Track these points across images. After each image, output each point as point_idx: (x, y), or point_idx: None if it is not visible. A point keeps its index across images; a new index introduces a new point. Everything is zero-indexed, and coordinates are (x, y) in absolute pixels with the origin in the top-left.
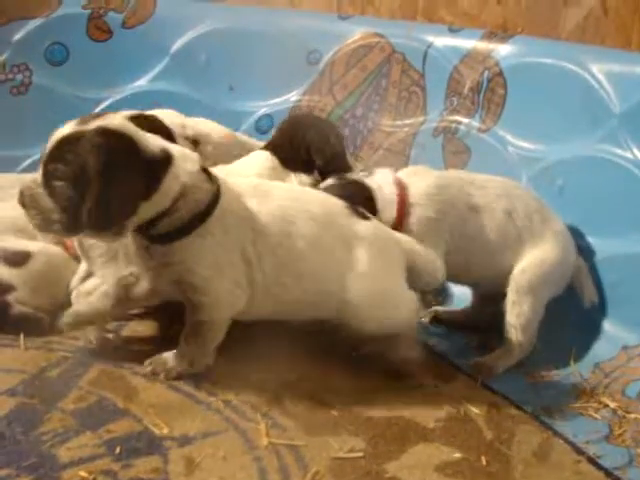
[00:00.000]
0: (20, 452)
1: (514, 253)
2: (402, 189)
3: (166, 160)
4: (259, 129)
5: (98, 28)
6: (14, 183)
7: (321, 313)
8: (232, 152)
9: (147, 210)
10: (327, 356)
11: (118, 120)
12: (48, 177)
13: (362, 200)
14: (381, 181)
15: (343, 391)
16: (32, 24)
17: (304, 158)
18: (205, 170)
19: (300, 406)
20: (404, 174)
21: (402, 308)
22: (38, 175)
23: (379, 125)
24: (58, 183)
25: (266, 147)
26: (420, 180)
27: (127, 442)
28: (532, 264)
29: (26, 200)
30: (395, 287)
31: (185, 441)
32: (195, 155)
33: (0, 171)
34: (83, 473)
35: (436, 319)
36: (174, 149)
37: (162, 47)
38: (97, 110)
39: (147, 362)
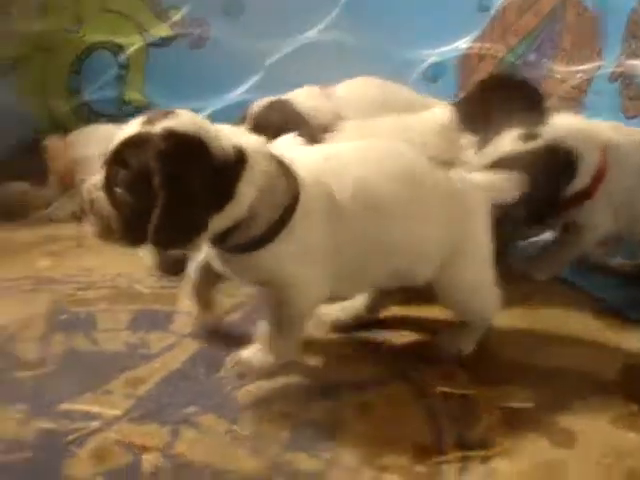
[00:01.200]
0: (204, 392)
1: None
2: (603, 155)
3: (240, 162)
4: (428, 77)
5: None
6: None
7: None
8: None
9: (221, 221)
10: None
11: (188, 120)
12: (109, 181)
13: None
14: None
15: (512, 341)
16: None
17: (489, 116)
18: (281, 163)
19: (470, 356)
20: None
21: (490, 300)
22: (99, 177)
23: (553, 71)
24: (119, 189)
25: (455, 102)
26: (619, 145)
27: (303, 387)
28: None
29: (86, 205)
30: (488, 273)
31: (358, 387)
32: (268, 149)
33: None
34: (261, 413)
35: (607, 270)
36: (249, 145)
37: None
38: (271, 61)
39: (229, 364)
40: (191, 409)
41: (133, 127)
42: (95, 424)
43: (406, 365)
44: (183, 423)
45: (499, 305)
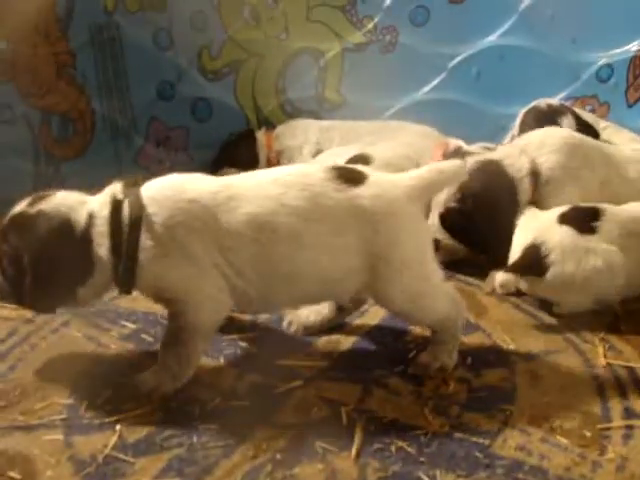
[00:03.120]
0: (390, 357)
1: None
2: None
3: (90, 229)
4: (599, 78)
5: None
6: (378, 129)
7: (345, 293)
8: None
9: (99, 279)
10: None
11: (58, 201)
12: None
13: None
14: None
15: None
16: None
17: None
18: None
19: (637, 333)
20: None
21: (439, 304)
22: None
23: None
24: (4, 261)
25: None
26: None
27: (478, 354)
28: None
29: None
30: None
31: (529, 357)
32: (108, 195)
33: (368, 119)
34: (442, 377)
35: None
36: (95, 209)
37: (511, 5)
38: (452, 64)
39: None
40: (380, 371)
41: (18, 208)
42: (298, 381)
43: (575, 336)
44: (373, 383)
45: (457, 306)
